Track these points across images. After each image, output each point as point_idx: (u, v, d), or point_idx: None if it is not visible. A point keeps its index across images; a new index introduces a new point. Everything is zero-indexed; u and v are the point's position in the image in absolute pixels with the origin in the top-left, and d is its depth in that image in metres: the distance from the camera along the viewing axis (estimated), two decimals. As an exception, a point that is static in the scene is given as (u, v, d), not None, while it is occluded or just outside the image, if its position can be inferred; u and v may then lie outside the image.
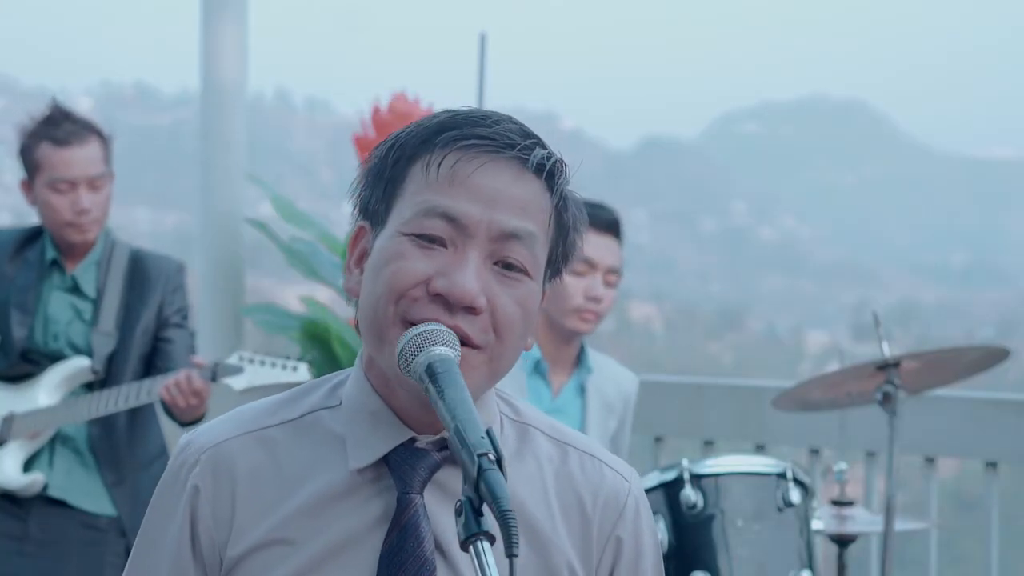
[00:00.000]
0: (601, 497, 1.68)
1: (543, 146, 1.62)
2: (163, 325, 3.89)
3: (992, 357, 3.59)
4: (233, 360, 3.66)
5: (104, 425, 3.81)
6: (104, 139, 3.87)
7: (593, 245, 3.64)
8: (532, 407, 1.75)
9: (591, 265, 3.64)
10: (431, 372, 1.50)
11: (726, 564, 3.24)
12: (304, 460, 1.63)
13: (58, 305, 3.86)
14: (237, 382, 3.65)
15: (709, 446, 5.07)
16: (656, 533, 1.75)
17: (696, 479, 3.28)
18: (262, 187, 5.54)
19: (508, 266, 1.58)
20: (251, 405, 1.71)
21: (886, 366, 3.41)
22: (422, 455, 1.61)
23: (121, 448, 3.82)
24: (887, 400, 3.41)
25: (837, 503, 3.53)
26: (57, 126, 3.82)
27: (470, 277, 1.55)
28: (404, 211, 1.58)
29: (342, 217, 2.16)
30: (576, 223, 1.66)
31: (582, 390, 3.72)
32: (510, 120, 1.62)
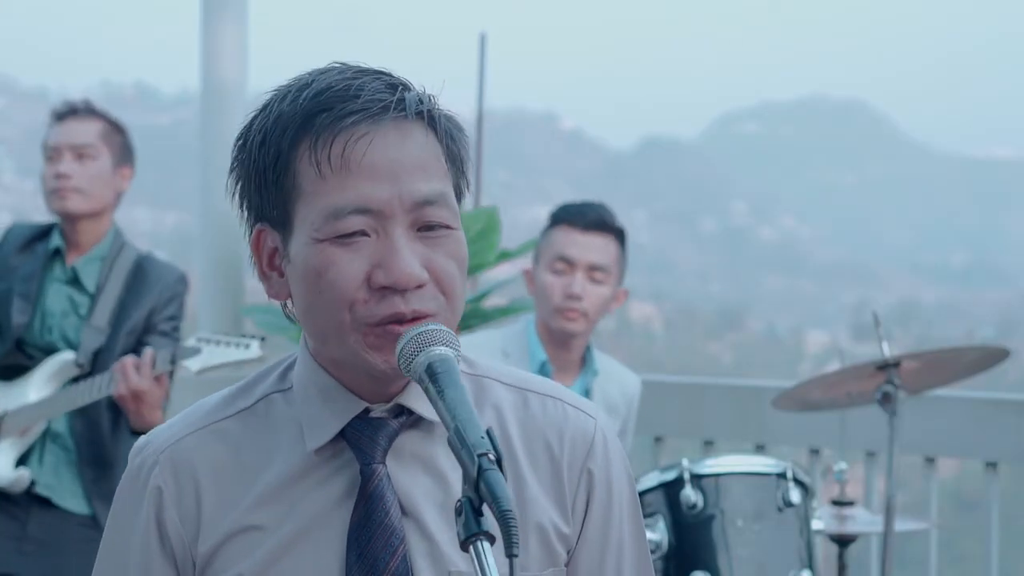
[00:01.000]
0: (567, 436, 1.68)
1: (409, 88, 1.59)
2: (149, 330, 3.88)
3: (992, 357, 3.59)
4: (191, 342, 3.65)
5: (88, 422, 3.81)
6: (111, 125, 3.93)
7: (572, 243, 3.66)
8: (494, 362, 1.74)
9: (569, 263, 3.65)
10: (431, 372, 1.50)
11: (726, 564, 3.24)
12: (263, 446, 1.63)
13: (56, 297, 3.87)
14: (193, 363, 3.63)
15: (709, 446, 5.07)
16: (628, 468, 1.74)
17: (696, 479, 3.28)
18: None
19: (431, 227, 1.57)
20: (205, 400, 1.71)
21: (886, 366, 3.41)
22: (379, 424, 1.61)
23: (104, 444, 3.82)
24: (887, 400, 3.41)
25: (837, 503, 3.53)
26: (67, 108, 3.92)
27: (407, 259, 1.54)
28: (310, 215, 1.55)
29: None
30: (462, 146, 1.63)
31: (587, 392, 3.73)
32: (370, 73, 1.58)
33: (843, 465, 3.53)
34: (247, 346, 3.61)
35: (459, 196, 1.63)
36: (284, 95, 1.59)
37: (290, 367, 1.69)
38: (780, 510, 3.30)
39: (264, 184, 1.58)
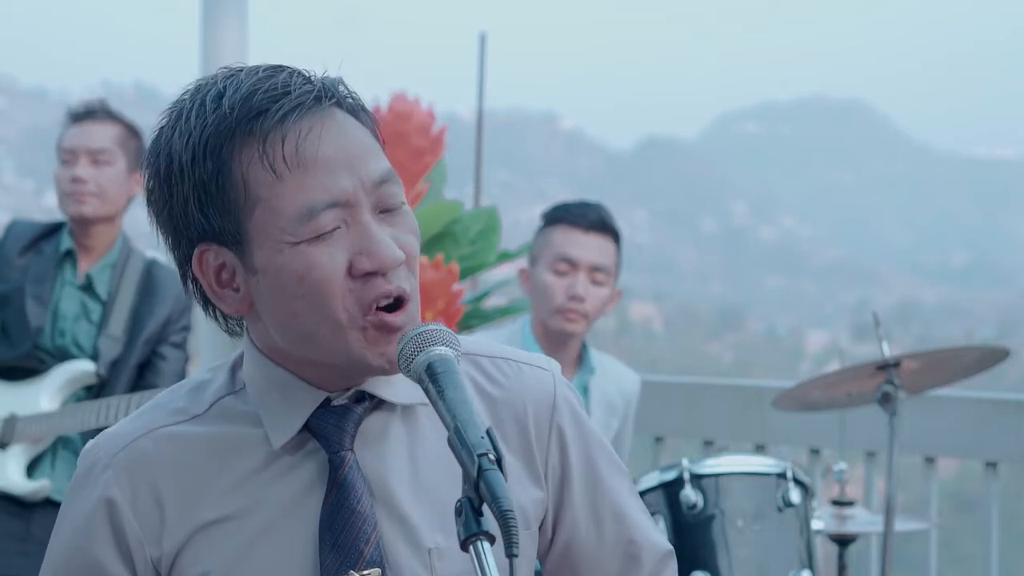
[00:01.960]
0: (529, 396, 1.68)
1: (315, 77, 1.58)
2: (162, 340, 3.88)
3: (992, 357, 3.59)
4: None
5: (101, 429, 3.80)
6: (129, 130, 3.91)
7: (575, 244, 3.65)
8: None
9: (572, 264, 3.64)
10: (431, 372, 1.50)
11: (726, 564, 3.24)
12: (223, 443, 1.61)
13: (68, 302, 3.86)
14: None
15: (709, 446, 5.07)
16: (587, 415, 1.75)
17: (696, 479, 3.28)
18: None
19: (391, 208, 1.58)
20: (154, 403, 1.68)
21: (886, 366, 3.41)
22: (344, 412, 1.60)
23: None
24: (887, 400, 3.41)
25: (837, 503, 3.53)
26: (86, 109, 3.90)
27: (386, 241, 1.54)
28: (275, 221, 1.52)
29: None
30: (373, 118, 1.63)
31: (585, 390, 3.73)
32: (281, 69, 1.57)
33: (843, 465, 3.53)
34: None
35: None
36: (196, 109, 1.55)
37: (237, 366, 1.67)
38: (780, 510, 3.30)
39: (207, 201, 1.54)
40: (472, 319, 4.77)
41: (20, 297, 3.82)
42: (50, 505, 3.80)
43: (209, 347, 5.06)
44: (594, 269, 3.66)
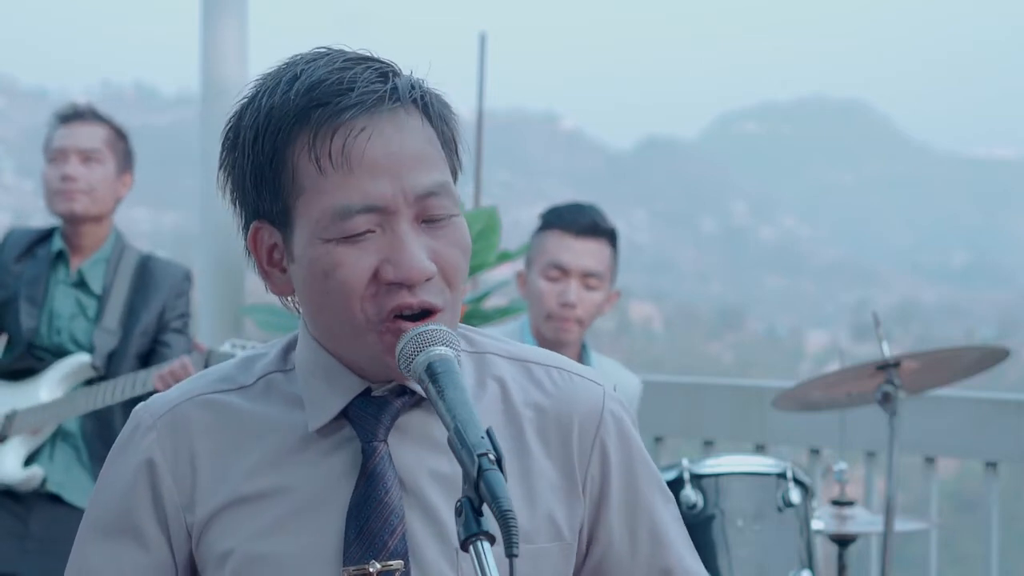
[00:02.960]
0: (577, 408, 1.67)
1: (399, 73, 1.58)
2: (163, 328, 3.90)
3: (992, 357, 3.59)
4: (226, 348, 3.67)
5: (100, 421, 3.82)
6: (116, 131, 3.95)
7: (566, 250, 3.62)
8: (490, 335, 1.73)
9: (563, 271, 3.62)
10: (431, 372, 1.50)
11: (726, 564, 3.24)
12: (263, 420, 1.62)
13: (63, 300, 3.88)
14: None
15: (709, 446, 5.07)
16: (637, 430, 1.72)
17: (696, 479, 3.28)
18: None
19: (436, 219, 1.57)
20: (203, 373, 1.70)
21: (886, 366, 3.41)
22: (383, 403, 1.61)
23: None
24: (887, 400, 3.41)
25: (837, 503, 3.53)
26: (72, 111, 3.94)
27: (415, 253, 1.54)
28: (313, 213, 1.54)
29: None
30: (453, 127, 1.62)
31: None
32: (359, 61, 1.57)
33: (843, 465, 3.53)
34: None
35: (455, 178, 1.63)
36: (272, 88, 1.57)
37: (291, 346, 1.68)
38: (780, 510, 3.30)
39: (261, 181, 1.57)
40: (472, 319, 4.77)
41: (15, 302, 3.85)
42: (49, 502, 3.81)
43: (209, 338, 5.07)
44: (586, 275, 3.63)
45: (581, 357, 3.77)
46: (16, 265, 3.92)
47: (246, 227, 1.62)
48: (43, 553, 3.80)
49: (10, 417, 3.80)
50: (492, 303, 5.26)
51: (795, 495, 3.29)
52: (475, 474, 1.39)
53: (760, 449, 4.94)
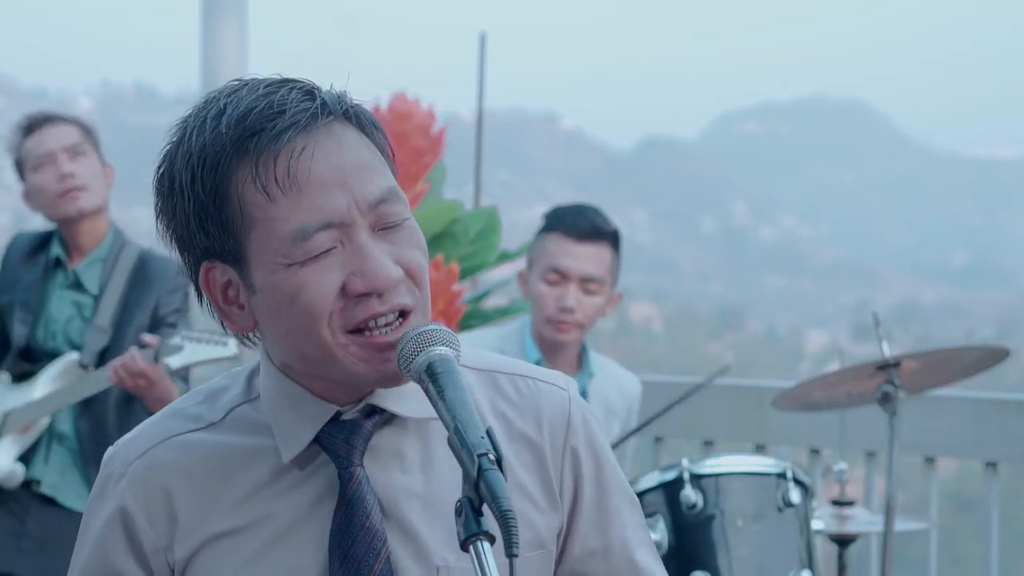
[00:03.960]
0: (545, 415, 1.67)
1: (320, 91, 1.57)
2: (157, 324, 3.89)
3: (992, 357, 3.59)
4: (175, 340, 3.67)
5: (94, 422, 3.82)
6: (83, 126, 3.93)
7: (566, 255, 3.61)
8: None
9: (563, 275, 3.61)
10: (431, 372, 1.50)
11: (726, 564, 3.24)
12: (236, 454, 1.62)
13: (59, 303, 3.88)
14: (174, 360, 3.66)
15: (709, 446, 5.07)
16: (604, 435, 1.73)
17: (696, 479, 3.28)
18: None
19: (392, 225, 1.57)
20: (170, 409, 1.69)
21: (886, 366, 3.41)
22: (354, 427, 1.60)
23: (109, 444, 3.82)
24: (887, 400, 3.41)
25: (837, 503, 3.53)
26: (31, 121, 3.90)
27: (380, 261, 1.53)
28: (270, 242, 1.52)
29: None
30: (382, 132, 1.61)
31: (584, 394, 3.72)
32: (282, 84, 1.56)
33: (843, 465, 3.53)
34: (224, 344, 3.64)
35: (395, 176, 1.62)
36: (199, 126, 1.55)
37: (255, 374, 1.67)
38: (780, 510, 3.29)
39: (207, 220, 1.55)
40: (472, 319, 4.77)
41: (10, 308, 3.85)
42: (45, 502, 3.82)
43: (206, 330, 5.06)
44: (586, 280, 3.62)
45: (581, 358, 3.77)
46: (19, 269, 3.93)
47: (194, 270, 1.60)
48: (39, 553, 3.80)
49: (5, 416, 3.82)
50: (492, 303, 5.26)
51: (795, 495, 3.29)
52: (475, 474, 1.39)
53: (760, 449, 4.94)
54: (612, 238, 3.68)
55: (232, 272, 1.57)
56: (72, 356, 3.82)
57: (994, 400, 4.69)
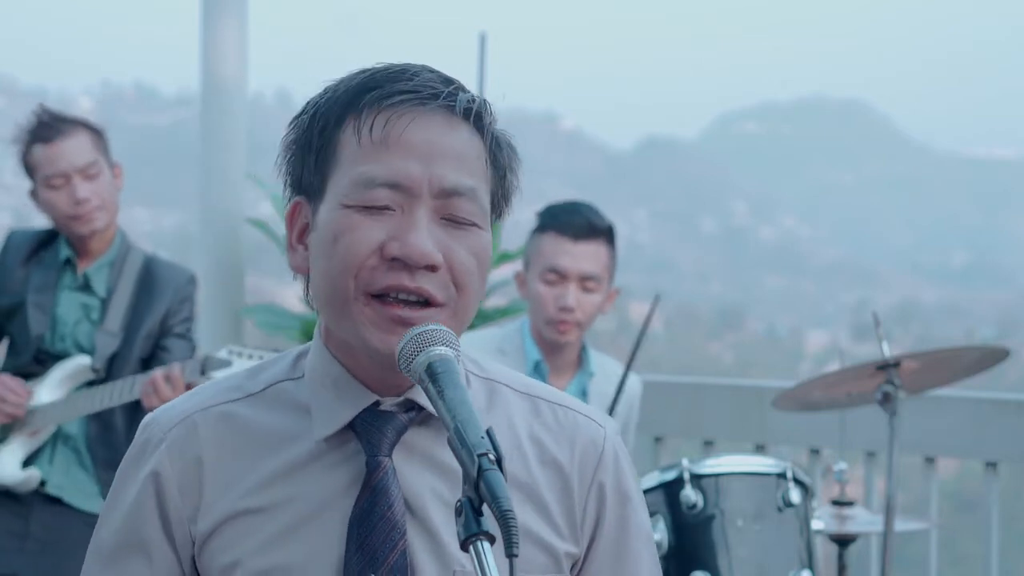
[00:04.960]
0: (578, 446, 1.69)
1: (465, 90, 1.62)
2: (165, 333, 3.89)
3: (992, 357, 3.59)
4: (222, 354, 3.67)
5: (102, 424, 3.82)
6: (95, 131, 3.90)
7: (564, 254, 3.61)
8: (497, 364, 1.75)
9: (561, 275, 3.61)
10: (431, 372, 1.50)
11: (726, 564, 3.24)
12: (270, 430, 1.63)
13: (68, 305, 3.87)
14: (221, 375, 3.64)
15: (709, 446, 5.07)
16: (636, 477, 1.75)
17: (696, 479, 3.28)
18: (262, 187, 5.54)
19: (457, 221, 1.58)
20: (213, 382, 1.72)
21: (886, 366, 3.41)
22: (388, 417, 1.61)
23: (119, 447, 3.83)
24: (887, 400, 3.41)
25: (837, 503, 3.53)
26: (45, 127, 3.84)
27: (424, 237, 1.55)
28: (342, 181, 1.58)
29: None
30: (511, 163, 1.65)
31: (584, 393, 3.72)
32: (428, 70, 1.61)
33: (843, 465, 3.53)
34: None
35: (496, 207, 1.64)
36: (344, 79, 1.62)
37: (303, 355, 1.69)
38: (780, 510, 3.30)
39: (307, 153, 1.61)
40: (472, 319, 4.76)
41: (23, 308, 3.84)
42: (49, 503, 3.82)
43: (209, 339, 5.07)
44: (584, 278, 3.62)
45: (580, 357, 3.77)
46: (21, 269, 3.90)
47: (288, 202, 1.66)
48: (43, 554, 3.80)
49: (30, 412, 3.81)
50: (492, 303, 5.26)
51: (795, 495, 3.29)
52: (475, 474, 1.40)
53: (760, 449, 4.94)
54: (608, 234, 3.67)
55: (309, 211, 1.62)
56: (82, 360, 3.82)
57: (994, 400, 4.69)
